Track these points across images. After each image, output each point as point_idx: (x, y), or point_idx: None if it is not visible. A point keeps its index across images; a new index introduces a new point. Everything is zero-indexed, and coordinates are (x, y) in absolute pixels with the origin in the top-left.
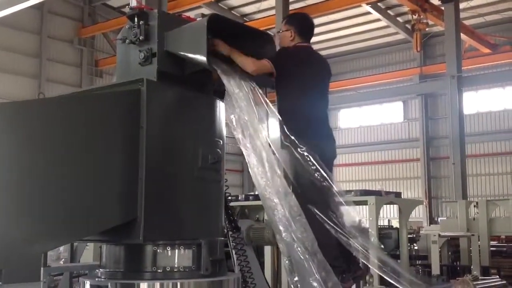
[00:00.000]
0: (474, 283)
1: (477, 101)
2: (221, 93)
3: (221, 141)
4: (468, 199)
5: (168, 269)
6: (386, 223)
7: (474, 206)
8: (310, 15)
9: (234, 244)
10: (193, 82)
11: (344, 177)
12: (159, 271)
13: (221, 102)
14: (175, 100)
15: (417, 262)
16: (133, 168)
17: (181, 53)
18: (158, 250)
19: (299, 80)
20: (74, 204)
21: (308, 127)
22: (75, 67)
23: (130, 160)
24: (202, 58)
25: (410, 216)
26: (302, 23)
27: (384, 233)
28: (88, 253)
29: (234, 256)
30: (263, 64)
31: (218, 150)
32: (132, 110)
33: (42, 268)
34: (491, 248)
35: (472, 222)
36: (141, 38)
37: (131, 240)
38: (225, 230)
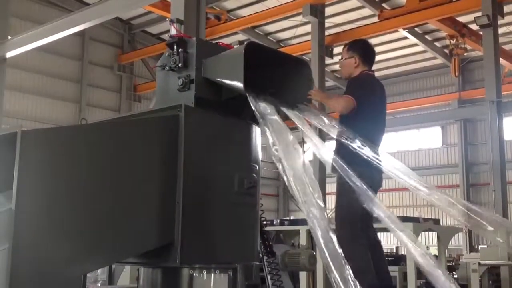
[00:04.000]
0: None
1: None
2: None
3: (257, 166)
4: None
5: None
6: None
7: None
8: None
9: (269, 269)
10: (229, 108)
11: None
12: None
13: (257, 127)
14: (212, 125)
15: None
16: (171, 192)
17: (219, 79)
18: (195, 274)
19: (370, 108)
20: (113, 227)
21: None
22: (114, 92)
23: (168, 184)
24: (239, 84)
25: (450, 244)
26: (365, 50)
27: None
28: (125, 276)
29: (269, 281)
30: (349, 103)
31: (254, 175)
32: (170, 135)
33: None
34: None
35: None
36: (180, 65)
37: (168, 263)
38: (260, 255)
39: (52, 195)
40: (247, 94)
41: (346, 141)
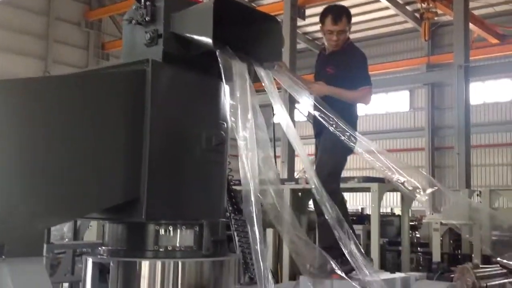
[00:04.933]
0: (475, 270)
1: (484, 92)
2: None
3: (225, 123)
4: (472, 189)
5: (170, 248)
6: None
7: (477, 195)
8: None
9: (236, 226)
10: (198, 64)
11: (349, 165)
12: (160, 250)
13: (226, 84)
14: (180, 81)
15: (418, 250)
16: (137, 147)
17: (187, 34)
18: (160, 230)
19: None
20: (77, 182)
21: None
22: (82, 50)
23: (133, 139)
24: (207, 40)
25: (414, 205)
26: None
27: (386, 220)
28: (90, 233)
29: (236, 238)
30: (370, 93)
31: (222, 132)
32: (136, 90)
33: (45, 245)
34: (493, 238)
35: (475, 212)
36: (147, 19)
37: (133, 218)
38: (228, 213)
39: (14, 149)
40: (216, 50)
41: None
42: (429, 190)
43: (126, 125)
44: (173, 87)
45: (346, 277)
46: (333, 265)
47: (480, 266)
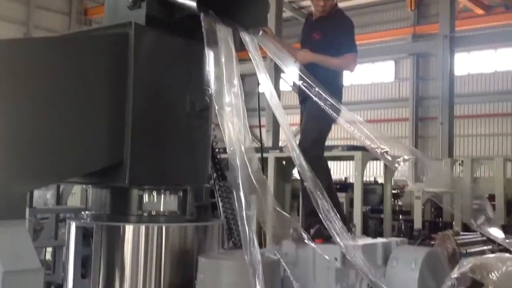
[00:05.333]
0: (455, 237)
1: (469, 63)
2: None
3: (209, 89)
4: (454, 158)
5: (154, 213)
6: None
7: (459, 164)
8: None
9: (220, 192)
10: (182, 28)
11: (333, 135)
12: (144, 214)
13: (210, 49)
14: (163, 45)
15: (400, 217)
16: (119, 112)
17: None
18: (144, 194)
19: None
20: (59, 145)
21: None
22: (64, 15)
23: (116, 103)
24: (191, 3)
25: (397, 175)
26: None
27: (369, 188)
28: (74, 200)
29: (220, 204)
30: (355, 60)
31: (206, 98)
32: (119, 53)
33: (27, 209)
34: (474, 206)
35: (457, 180)
36: None
37: (117, 183)
38: (212, 179)
39: None
40: (200, 14)
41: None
42: (408, 160)
43: (108, 89)
44: (156, 51)
45: (328, 242)
46: (315, 230)
47: (461, 233)
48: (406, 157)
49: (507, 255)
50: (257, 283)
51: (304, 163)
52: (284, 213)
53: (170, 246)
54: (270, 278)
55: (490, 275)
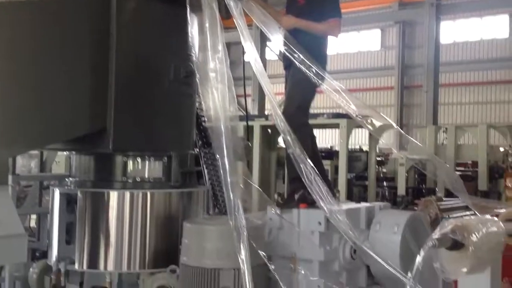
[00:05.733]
0: (438, 203)
1: (454, 31)
2: None
3: (194, 55)
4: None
5: (138, 180)
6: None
7: (443, 132)
8: None
9: (205, 159)
10: None
11: (319, 104)
12: (129, 181)
13: (194, 14)
14: (146, 9)
15: (384, 184)
16: (103, 77)
17: None
18: (128, 161)
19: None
20: (41, 110)
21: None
22: None
23: (99, 68)
24: None
25: (382, 143)
26: None
27: (354, 156)
28: (58, 169)
29: (205, 171)
30: (340, 25)
31: (191, 64)
32: (101, 17)
33: (10, 175)
34: (457, 173)
35: (441, 147)
36: None
37: (100, 149)
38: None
39: None
40: None
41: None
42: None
43: (91, 54)
44: (139, 16)
45: (312, 207)
46: (300, 196)
47: (443, 199)
48: (386, 127)
49: (487, 216)
50: (241, 247)
51: (288, 129)
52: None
53: (155, 212)
54: (254, 242)
55: (470, 236)
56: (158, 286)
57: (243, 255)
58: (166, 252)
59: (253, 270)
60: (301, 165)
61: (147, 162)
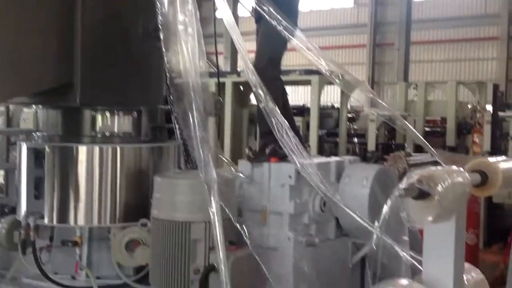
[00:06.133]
0: (407, 158)
1: None
2: None
3: (163, 8)
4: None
5: (107, 134)
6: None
7: (414, 88)
8: None
9: (176, 114)
10: None
11: (291, 62)
12: (98, 136)
13: None
14: None
15: (355, 140)
16: (69, 30)
17: None
18: (97, 115)
19: None
20: (5, 63)
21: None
22: None
23: (65, 21)
24: None
25: (354, 101)
26: None
27: (326, 112)
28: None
29: (176, 126)
30: None
31: (160, 17)
32: None
33: None
34: (426, 129)
35: (411, 104)
36: None
37: (67, 103)
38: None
39: None
40: None
41: None
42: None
43: (57, 8)
44: None
45: (283, 161)
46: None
47: (412, 154)
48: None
49: (454, 167)
50: (212, 200)
51: (259, 83)
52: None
53: (125, 166)
54: (226, 196)
55: (437, 186)
56: (129, 240)
57: (213, 208)
58: (137, 206)
59: (224, 223)
60: (272, 119)
61: (116, 116)
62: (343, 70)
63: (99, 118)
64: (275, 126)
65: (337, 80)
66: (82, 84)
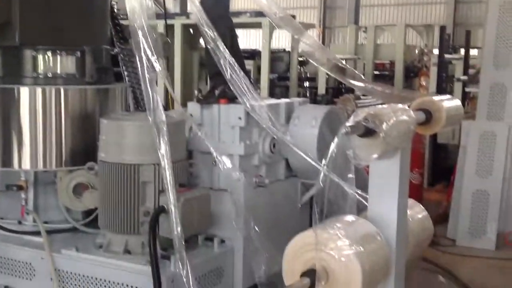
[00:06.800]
0: (356, 101)
1: None
2: None
3: None
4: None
5: (50, 75)
6: None
7: (363, 31)
8: None
9: (122, 55)
10: None
11: (242, 5)
12: (40, 76)
13: None
14: None
15: (306, 84)
16: None
17: None
18: (38, 55)
19: None
20: None
21: None
22: None
23: None
24: None
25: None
26: None
27: (277, 56)
28: None
29: (123, 68)
30: None
31: None
32: None
33: None
34: (376, 72)
35: (360, 47)
36: None
37: (6, 42)
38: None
39: None
40: None
41: None
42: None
43: None
44: None
45: (233, 102)
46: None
47: (361, 97)
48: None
49: (399, 105)
50: (161, 142)
51: (207, 22)
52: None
53: (69, 108)
54: (175, 138)
55: (382, 124)
56: (76, 183)
57: (163, 150)
58: (83, 149)
59: (174, 165)
60: (221, 60)
61: (58, 56)
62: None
63: (40, 58)
64: (223, 66)
65: (285, 25)
66: (21, 23)
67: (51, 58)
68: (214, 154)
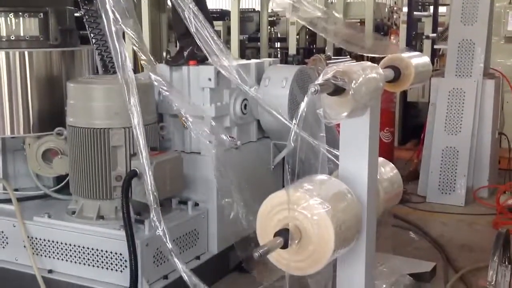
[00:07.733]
0: (327, 61)
1: None
2: None
3: None
4: None
5: (13, 38)
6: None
7: None
8: None
9: (87, 17)
10: None
11: None
12: (3, 40)
13: None
14: None
15: (276, 45)
16: None
17: None
18: (0, 18)
19: None
20: None
21: None
22: None
23: None
24: None
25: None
26: None
27: (246, 17)
28: None
29: (89, 30)
30: None
31: None
32: None
33: None
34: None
35: (330, 5)
36: None
37: None
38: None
39: None
40: None
41: None
42: None
43: None
44: None
45: (202, 64)
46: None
47: (332, 57)
48: None
49: (369, 63)
50: (131, 103)
51: None
52: None
53: (34, 72)
54: (145, 99)
55: (351, 82)
56: (45, 149)
57: (133, 112)
58: (51, 114)
59: (145, 128)
60: (188, 19)
61: (21, 18)
62: None
63: (2, 21)
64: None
65: None
66: None
67: (13, 21)
68: (185, 116)
